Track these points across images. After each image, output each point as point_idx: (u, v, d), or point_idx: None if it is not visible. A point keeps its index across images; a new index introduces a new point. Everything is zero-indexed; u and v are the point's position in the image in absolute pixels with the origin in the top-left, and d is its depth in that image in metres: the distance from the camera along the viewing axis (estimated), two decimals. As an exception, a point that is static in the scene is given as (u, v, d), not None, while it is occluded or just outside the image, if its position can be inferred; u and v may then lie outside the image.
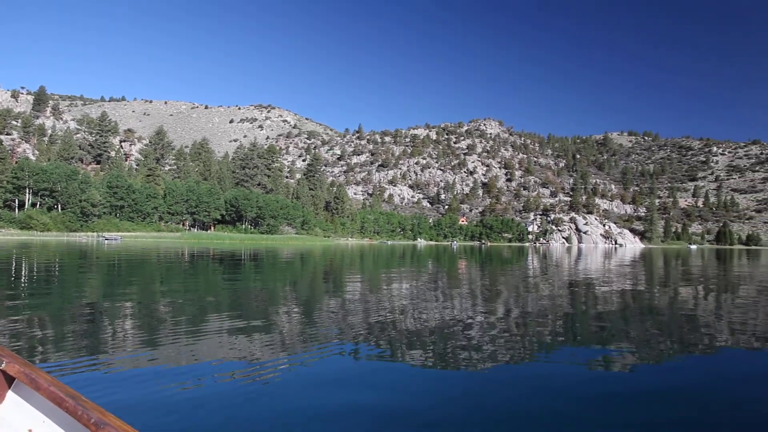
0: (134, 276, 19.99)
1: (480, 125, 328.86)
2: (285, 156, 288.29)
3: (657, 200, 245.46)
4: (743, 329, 9.72)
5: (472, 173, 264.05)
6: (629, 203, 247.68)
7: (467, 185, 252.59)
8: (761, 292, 18.13)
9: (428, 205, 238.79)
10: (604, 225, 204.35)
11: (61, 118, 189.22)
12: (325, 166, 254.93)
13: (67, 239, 73.18)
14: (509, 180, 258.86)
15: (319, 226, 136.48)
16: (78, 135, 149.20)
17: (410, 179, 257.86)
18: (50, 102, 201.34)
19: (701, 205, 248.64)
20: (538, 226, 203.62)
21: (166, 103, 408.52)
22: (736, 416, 5.02)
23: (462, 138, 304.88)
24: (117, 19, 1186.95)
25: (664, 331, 9.55)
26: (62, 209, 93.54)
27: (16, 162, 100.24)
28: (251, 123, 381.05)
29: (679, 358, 7.32)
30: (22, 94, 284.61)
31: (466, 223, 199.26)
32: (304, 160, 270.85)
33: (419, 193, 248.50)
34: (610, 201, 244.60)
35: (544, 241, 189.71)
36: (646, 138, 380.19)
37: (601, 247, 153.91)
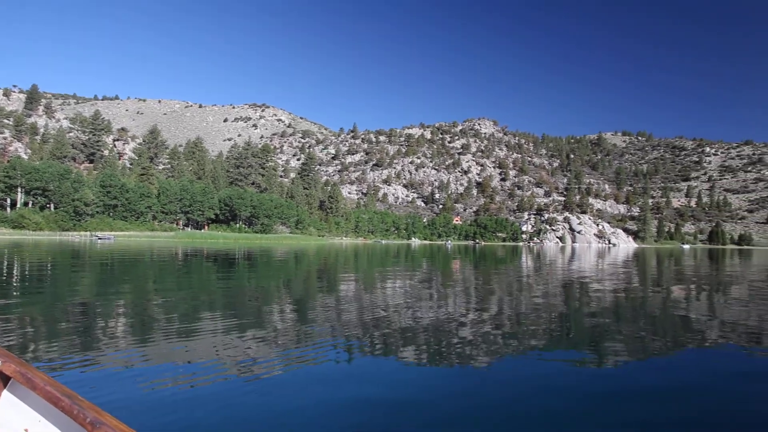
0: (127, 275, 19.91)
1: (474, 125, 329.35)
2: (279, 155, 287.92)
3: (650, 200, 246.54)
4: (734, 328, 9.78)
5: (466, 173, 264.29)
6: (623, 203, 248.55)
7: (461, 185, 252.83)
8: (753, 291, 18.24)
9: (422, 204, 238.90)
10: (597, 225, 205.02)
11: (54, 117, 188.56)
12: (320, 165, 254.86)
13: (59, 238, 72.79)
14: (503, 179, 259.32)
15: (314, 226, 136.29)
16: (71, 134, 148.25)
17: (405, 179, 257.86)
18: (43, 100, 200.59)
19: (694, 205, 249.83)
20: (532, 226, 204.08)
21: (159, 101, 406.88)
22: (730, 413, 5.05)
23: (456, 137, 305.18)
24: (110, 17, 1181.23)
25: (658, 329, 9.59)
26: (55, 208, 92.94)
27: (8, 161, 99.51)
28: (245, 122, 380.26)
29: (672, 356, 7.36)
30: (14, 92, 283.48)
31: (461, 222, 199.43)
32: (298, 159, 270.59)
33: (414, 192, 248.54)
34: (604, 201, 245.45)
35: (538, 241, 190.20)
36: (640, 138, 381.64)
37: (594, 246, 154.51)
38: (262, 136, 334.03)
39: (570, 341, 8.37)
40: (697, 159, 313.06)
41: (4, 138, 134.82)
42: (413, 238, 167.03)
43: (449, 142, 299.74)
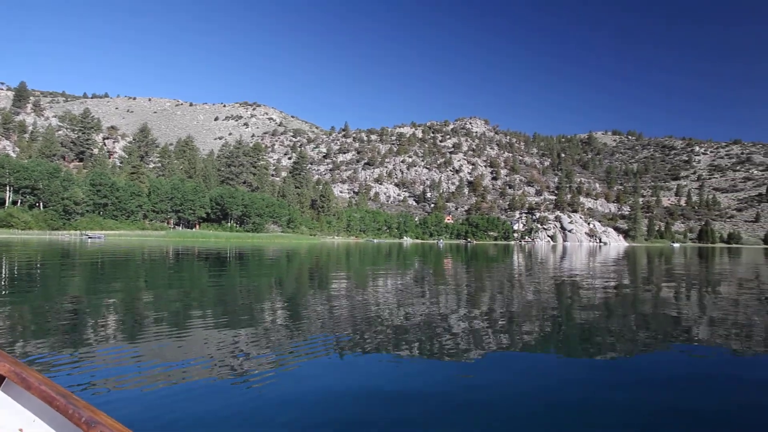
0: (118, 275, 19.79)
1: (466, 124, 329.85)
2: (271, 154, 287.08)
3: (641, 199, 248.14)
4: (722, 325, 9.86)
5: (457, 172, 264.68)
6: (613, 202, 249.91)
7: (453, 184, 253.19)
8: (742, 288, 18.41)
9: (414, 203, 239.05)
10: (588, 223, 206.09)
11: (43, 115, 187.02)
12: (311, 164, 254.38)
13: (49, 238, 72.24)
14: (495, 178, 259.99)
15: (305, 225, 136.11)
16: (60, 132, 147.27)
17: (396, 177, 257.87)
18: (31, 98, 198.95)
19: (684, 204, 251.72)
20: (524, 225, 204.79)
21: (150, 100, 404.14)
22: (721, 406, 5.10)
23: (448, 136, 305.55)
24: (99, 14, 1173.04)
25: (650, 326, 9.65)
26: (44, 207, 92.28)
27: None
28: (236, 121, 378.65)
29: (662, 352, 7.40)
30: (2, 89, 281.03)
31: (452, 221, 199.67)
32: (290, 158, 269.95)
33: (405, 191, 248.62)
34: (595, 200, 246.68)
35: (530, 240, 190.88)
36: (630, 137, 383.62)
37: (585, 245, 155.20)
38: (253, 135, 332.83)
39: (560, 338, 8.42)
40: (687, 158, 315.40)
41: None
42: (405, 237, 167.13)
43: (441, 141, 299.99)
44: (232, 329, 8.31)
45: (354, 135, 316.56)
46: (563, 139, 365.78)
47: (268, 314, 10.22)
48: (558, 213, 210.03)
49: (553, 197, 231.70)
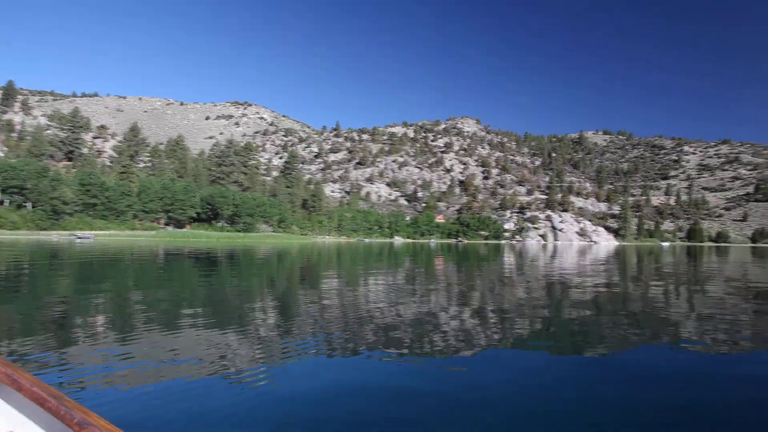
0: (107, 275, 19.68)
1: (457, 123, 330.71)
2: (262, 153, 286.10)
3: (630, 198, 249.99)
4: (709, 322, 9.95)
5: (449, 171, 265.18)
6: (603, 201, 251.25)
7: (444, 183, 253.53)
8: (729, 287, 18.60)
9: (405, 203, 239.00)
10: (579, 223, 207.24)
11: (31, 114, 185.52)
12: (302, 163, 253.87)
13: (37, 238, 71.64)
14: (486, 178, 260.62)
15: (296, 224, 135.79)
16: (48, 131, 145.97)
17: (388, 177, 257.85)
18: (19, 97, 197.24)
19: (673, 203, 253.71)
20: (515, 224, 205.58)
21: (140, 99, 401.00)
22: (706, 401, 5.15)
23: (439, 136, 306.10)
24: (88, 13, 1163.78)
25: (640, 324, 9.73)
26: (32, 207, 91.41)
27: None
28: (227, 120, 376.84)
29: (653, 349, 7.46)
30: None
31: (443, 221, 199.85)
32: (281, 158, 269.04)
33: (396, 191, 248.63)
34: (585, 199, 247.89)
35: (520, 239, 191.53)
36: (620, 137, 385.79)
37: (576, 244, 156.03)
38: (244, 134, 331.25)
39: (553, 336, 8.48)
40: (676, 158, 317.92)
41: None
42: (396, 237, 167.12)
43: (432, 141, 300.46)
44: (222, 329, 8.30)
45: (345, 134, 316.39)
46: (554, 139, 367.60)
47: (259, 314, 10.21)
48: (549, 212, 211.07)
49: (544, 197, 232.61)
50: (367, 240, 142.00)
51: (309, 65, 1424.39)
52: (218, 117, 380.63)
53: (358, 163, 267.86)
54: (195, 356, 6.51)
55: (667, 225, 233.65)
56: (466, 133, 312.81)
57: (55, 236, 78.49)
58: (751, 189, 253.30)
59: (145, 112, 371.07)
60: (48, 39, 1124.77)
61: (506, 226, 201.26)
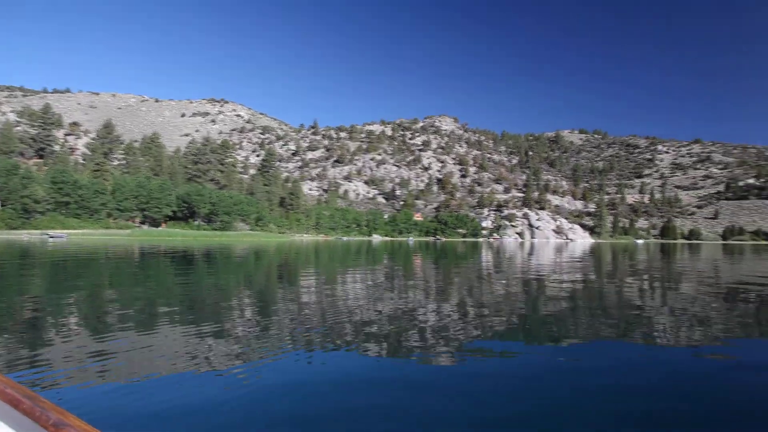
0: (80, 275, 19.35)
1: (435, 122, 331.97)
2: (239, 151, 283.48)
3: (606, 196, 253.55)
4: (682, 318, 10.17)
5: (427, 169, 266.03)
6: (579, 199, 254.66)
7: (422, 181, 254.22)
8: (701, 283, 19.03)
9: (384, 201, 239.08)
10: (555, 220, 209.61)
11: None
12: (280, 161, 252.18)
13: (7, 237, 70.09)
14: (464, 176, 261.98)
15: (274, 223, 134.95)
16: (18, 128, 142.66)
17: (366, 175, 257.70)
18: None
19: (647, 201, 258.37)
20: (492, 222, 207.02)
21: (114, 95, 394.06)
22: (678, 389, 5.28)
23: (417, 134, 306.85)
24: (59, 6, 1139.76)
25: (615, 320, 9.91)
26: (2, 206, 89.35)
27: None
28: (204, 117, 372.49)
29: (625, 342, 7.62)
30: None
31: (421, 219, 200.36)
32: (258, 156, 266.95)
33: (375, 189, 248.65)
34: (562, 197, 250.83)
35: (498, 237, 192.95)
36: (596, 136, 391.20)
37: (552, 242, 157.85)
38: (220, 132, 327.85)
39: (529, 335, 8.59)
40: (650, 157, 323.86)
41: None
42: (374, 235, 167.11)
43: (410, 139, 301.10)
44: (199, 326, 8.24)
45: (323, 132, 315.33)
46: (531, 138, 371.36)
47: (236, 311, 10.15)
48: (526, 210, 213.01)
49: (521, 195, 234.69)
50: (345, 238, 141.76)
51: (287, 62, 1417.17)
52: (194, 114, 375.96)
53: (336, 161, 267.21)
54: (172, 353, 6.45)
55: (642, 223, 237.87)
56: (444, 132, 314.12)
57: (26, 235, 76.86)
58: (721, 187, 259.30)
59: (119, 108, 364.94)
60: (17, 33, 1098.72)
61: (484, 224, 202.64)
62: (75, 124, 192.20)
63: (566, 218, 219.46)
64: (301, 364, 6.07)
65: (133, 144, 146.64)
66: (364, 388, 5.29)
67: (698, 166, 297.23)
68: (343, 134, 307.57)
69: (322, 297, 12.64)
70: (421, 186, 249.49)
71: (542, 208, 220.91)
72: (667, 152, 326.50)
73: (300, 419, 4.42)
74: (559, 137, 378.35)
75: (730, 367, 6.37)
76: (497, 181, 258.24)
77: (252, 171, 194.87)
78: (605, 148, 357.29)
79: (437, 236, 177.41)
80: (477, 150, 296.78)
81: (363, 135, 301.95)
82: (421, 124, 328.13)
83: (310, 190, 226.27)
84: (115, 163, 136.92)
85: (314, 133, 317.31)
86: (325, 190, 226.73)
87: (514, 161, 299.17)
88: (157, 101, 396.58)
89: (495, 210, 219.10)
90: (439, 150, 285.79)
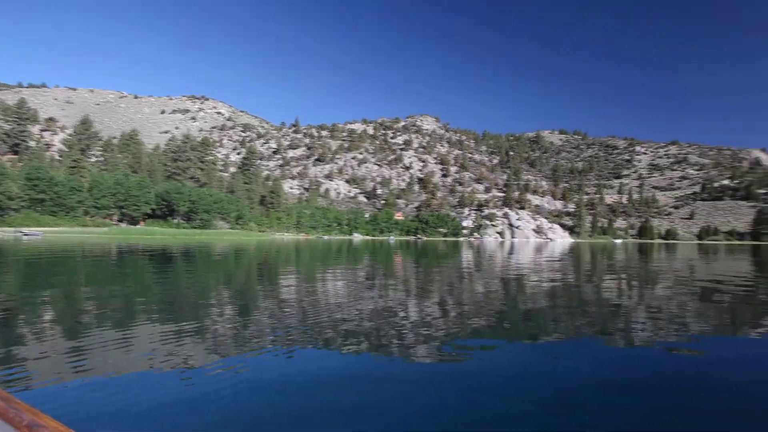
0: (55, 273, 19.01)
1: (417, 121, 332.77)
2: (219, 149, 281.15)
3: (585, 196, 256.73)
4: (659, 315, 10.31)
5: (408, 168, 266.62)
6: (559, 199, 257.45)
7: (403, 180, 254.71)
8: (677, 282, 19.33)
9: (365, 200, 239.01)
10: (535, 220, 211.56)
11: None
12: (261, 159, 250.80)
13: (-20, 234, 68.64)
14: (445, 176, 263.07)
15: (254, 221, 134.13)
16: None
17: (347, 174, 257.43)
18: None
19: (625, 202, 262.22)
20: (473, 221, 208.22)
21: (91, 91, 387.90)
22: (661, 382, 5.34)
23: (399, 133, 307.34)
24: (35, 0, 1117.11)
25: (593, 318, 10.00)
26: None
27: None
28: (183, 114, 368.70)
29: (605, 338, 7.70)
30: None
31: (403, 218, 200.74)
32: (238, 154, 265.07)
33: (356, 188, 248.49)
34: (542, 197, 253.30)
35: (478, 236, 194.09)
36: (576, 137, 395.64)
37: (532, 241, 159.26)
38: (201, 129, 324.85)
39: (510, 330, 8.63)
40: (629, 158, 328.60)
41: None
42: (355, 234, 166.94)
43: (391, 138, 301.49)
44: (178, 323, 8.13)
45: (304, 131, 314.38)
46: (512, 138, 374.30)
47: (216, 309, 10.05)
48: (506, 210, 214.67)
49: (502, 194, 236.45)
50: (326, 237, 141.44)
51: (268, 60, 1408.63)
52: (174, 111, 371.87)
53: (317, 160, 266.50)
54: (149, 351, 6.36)
55: (620, 223, 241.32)
56: (425, 131, 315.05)
57: (0, 233, 75.38)
58: (697, 188, 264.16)
59: (97, 104, 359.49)
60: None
61: (465, 224, 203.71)
62: (51, 119, 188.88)
63: (546, 218, 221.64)
64: (283, 362, 6.02)
65: (111, 141, 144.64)
66: (347, 385, 5.26)
67: (675, 168, 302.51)
68: (324, 133, 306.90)
69: (302, 295, 12.57)
70: (403, 185, 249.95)
71: (522, 208, 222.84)
72: (645, 153, 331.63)
73: (283, 416, 4.37)
74: (539, 137, 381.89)
75: (708, 362, 6.48)
76: (478, 180, 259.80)
77: (232, 169, 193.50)
78: (585, 149, 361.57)
79: (418, 235, 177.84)
80: (458, 150, 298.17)
81: (344, 134, 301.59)
82: (402, 123, 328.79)
83: (291, 188, 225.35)
84: (93, 159, 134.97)
85: (295, 132, 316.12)
86: (306, 189, 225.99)
87: (495, 161, 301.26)
88: (136, 97, 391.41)
89: (475, 209, 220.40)
90: (421, 149, 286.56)
